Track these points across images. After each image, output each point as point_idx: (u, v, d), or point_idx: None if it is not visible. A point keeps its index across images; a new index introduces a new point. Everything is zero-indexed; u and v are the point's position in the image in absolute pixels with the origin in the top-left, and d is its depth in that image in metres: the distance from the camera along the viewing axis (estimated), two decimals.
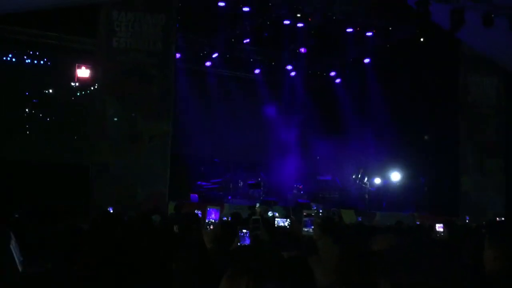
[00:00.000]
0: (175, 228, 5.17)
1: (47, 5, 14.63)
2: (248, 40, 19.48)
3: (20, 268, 1.29)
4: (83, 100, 17.41)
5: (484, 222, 10.78)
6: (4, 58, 17.12)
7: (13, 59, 17.19)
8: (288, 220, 7.41)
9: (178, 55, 17.88)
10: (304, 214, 3.73)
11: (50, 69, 17.24)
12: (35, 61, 17.19)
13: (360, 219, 13.61)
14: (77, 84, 17.12)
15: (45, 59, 17.26)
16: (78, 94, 17.35)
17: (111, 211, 11.44)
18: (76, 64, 16.98)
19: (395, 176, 19.38)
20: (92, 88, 16.94)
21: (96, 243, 4.26)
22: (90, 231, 4.89)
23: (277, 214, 10.96)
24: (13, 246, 1.25)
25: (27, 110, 16.97)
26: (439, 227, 7.56)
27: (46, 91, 17.08)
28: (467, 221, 14.86)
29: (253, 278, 2.52)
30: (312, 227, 3.67)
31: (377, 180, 19.39)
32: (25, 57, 17.02)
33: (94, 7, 15.04)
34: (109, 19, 14.85)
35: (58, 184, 14.08)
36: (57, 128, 17.23)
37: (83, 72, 16.97)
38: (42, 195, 12.93)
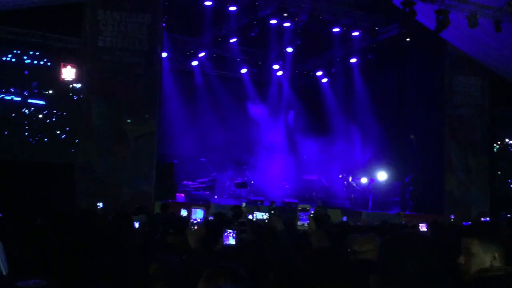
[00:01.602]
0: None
1: (32, 3, 14.53)
2: (235, 40, 19.48)
3: (4, 272, 1.23)
4: (68, 100, 17.29)
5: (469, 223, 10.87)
6: None
7: None
8: (267, 214, 7.43)
9: (164, 55, 17.84)
10: (299, 208, 3.74)
11: (34, 68, 17.10)
12: (19, 60, 17.05)
13: (345, 219, 13.64)
14: (62, 83, 16.99)
15: (30, 58, 17.12)
16: (63, 93, 17.22)
17: (101, 206, 11.44)
18: (61, 63, 16.86)
19: (381, 175, 19.47)
20: (77, 87, 16.83)
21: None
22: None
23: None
24: None
25: (11, 109, 16.82)
26: (422, 227, 7.63)
27: (31, 90, 16.93)
28: (452, 219, 14.97)
29: (229, 278, 2.54)
30: (307, 221, 3.69)
31: (363, 180, 19.47)
32: (9, 56, 16.87)
33: (79, 6, 14.96)
34: (95, 18, 14.80)
35: (43, 183, 14.01)
36: (42, 127, 17.09)
37: (68, 71, 16.85)
38: (26, 194, 12.86)
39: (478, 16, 14.16)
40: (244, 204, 12.06)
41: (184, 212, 8.90)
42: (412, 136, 19.58)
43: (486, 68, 18.08)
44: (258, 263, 3.12)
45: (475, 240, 3.11)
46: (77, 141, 15.19)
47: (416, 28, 16.48)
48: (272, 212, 4.14)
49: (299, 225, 3.72)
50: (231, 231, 3.75)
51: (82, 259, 3.79)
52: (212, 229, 4.02)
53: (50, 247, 4.24)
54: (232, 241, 3.70)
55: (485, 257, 3.07)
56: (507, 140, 20.15)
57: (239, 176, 19.47)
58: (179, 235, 4.09)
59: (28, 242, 4.60)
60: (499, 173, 19.57)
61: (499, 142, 19.86)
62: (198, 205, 4.04)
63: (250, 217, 8.53)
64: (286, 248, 3.62)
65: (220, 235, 3.79)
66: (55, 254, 4.05)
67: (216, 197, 18.42)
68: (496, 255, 3.09)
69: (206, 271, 2.62)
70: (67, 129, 16.54)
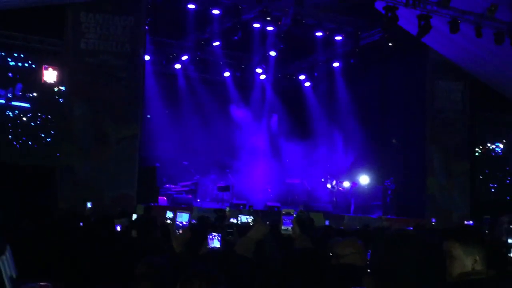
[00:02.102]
0: (133, 233, 5.16)
1: (13, 5, 14.38)
2: (218, 43, 19.47)
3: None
4: (50, 102, 17.14)
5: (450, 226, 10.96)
6: None
7: None
8: (251, 216, 7.44)
9: (147, 57, 17.77)
10: (283, 212, 3.72)
11: (16, 70, 16.94)
12: (3, 62, 16.88)
13: (327, 223, 13.66)
14: (46, 85, 16.85)
15: (11, 60, 16.96)
16: (45, 95, 17.07)
17: (90, 207, 11.40)
18: (43, 66, 16.73)
19: (364, 179, 19.55)
20: (59, 89, 16.70)
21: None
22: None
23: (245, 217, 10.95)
24: (4, 260, 1.14)
25: None
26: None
27: (12, 92, 16.76)
28: (433, 223, 15.07)
29: (205, 282, 2.54)
30: (291, 225, 3.67)
31: (346, 184, 19.54)
32: None
33: (62, 8, 14.85)
34: (77, 21, 14.71)
35: (23, 186, 13.88)
36: (23, 129, 16.92)
37: (50, 74, 16.72)
38: (6, 197, 12.72)
39: (459, 21, 14.31)
40: (227, 208, 12.06)
41: (170, 214, 8.85)
42: (394, 140, 19.69)
43: (468, 73, 18.26)
44: (243, 266, 3.11)
45: (456, 244, 3.11)
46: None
47: (398, 33, 16.59)
48: (256, 216, 4.14)
49: (283, 229, 3.71)
50: (216, 234, 3.74)
51: (77, 260, 3.76)
52: (197, 232, 4.01)
53: (43, 249, 4.21)
54: (217, 244, 3.69)
55: (466, 261, 3.07)
56: (488, 144, 20.36)
57: (221, 179, 19.44)
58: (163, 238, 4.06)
59: (22, 245, 4.55)
60: (481, 177, 19.75)
61: (480, 147, 20.06)
62: (183, 209, 4.03)
63: (233, 220, 8.53)
64: (271, 252, 3.61)
65: (204, 239, 3.78)
66: (48, 256, 4.02)
67: (198, 200, 18.39)
68: (478, 258, 3.08)
69: (182, 276, 2.63)
70: (52, 132, 16.40)
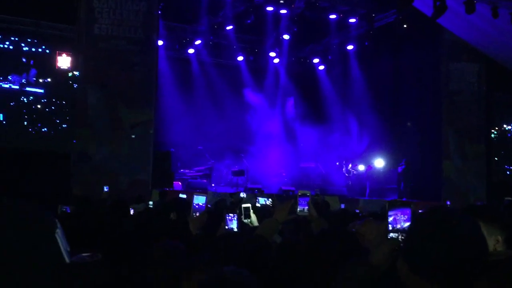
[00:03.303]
0: (172, 215, 5.14)
1: None
2: (231, 27, 19.41)
3: (67, 260, 1.24)
4: (64, 88, 17.22)
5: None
6: None
7: None
8: (270, 199, 7.42)
9: (160, 42, 17.75)
10: (299, 194, 3.67)
11: (29, 56, 17.02)
12: (14, 48, 16.95)
13: (343, 206, 13.63)
14: (60, 71, 16.91)
15: (24, 45, 17.04)
16: (59, 81, 17.14)
17: (107, 190, 11.51)
18: (57, 52, 16.79)
19: (379, 162, 19.48)
20: (73, 75, 16.77)
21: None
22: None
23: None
24: (59, 235, 1.20)
25: (6, 97, 16.74)
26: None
27: (26, 78, 16.85)
28: (448, 206, 15.00)
29: (203, 272, 2.51)
30: (307, 207, 3.62)
31: (361, 167, 19.48)
32: (6, 43, 16.77)
33: None
34: (90, 6, 14.68)
35: (39, 171, 13.99)
36: (38, 115, 17.04)
37: (63, 60, 16.79)
38: (23, 183, 12.83)
39: (475, 1, 14.11)
40: (242, 193, 12.07)
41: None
42: (409, 124, 19.57)
43: (483, 54, 18.03)
44: (258, 248, 3.09)
45: (480, 223, 3.00)
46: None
47: (413, 15, 16.41)
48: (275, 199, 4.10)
49: (299, 211, 3.67)
50: (232, 215, 3.72)
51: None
52: (213, 215, 4.00)
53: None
54: (234, 225, 3.68)
55: (489, 241, 2.97)
56: (504, 126, 20.17)
57: (236, 164, 19.46)
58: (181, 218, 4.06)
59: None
60: (496, 159, 19.60)
61: (496, 128, 19.88)
62: (199, 192, 4.02)
63: (246, 205, 8.52)
64: (287, 234, 3.60)
65: (221, 221, 3.77)
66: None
67: (213, 185, 18.42)
68: (500, 238, 2.94)
69: (184, 273, 2.61)
70: (67, 118, 16.51)
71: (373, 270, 2.16)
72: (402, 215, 2.29)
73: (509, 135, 20.44)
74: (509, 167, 20.21)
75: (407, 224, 2.25)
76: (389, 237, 2.24)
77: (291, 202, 3.78)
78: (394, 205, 2.33)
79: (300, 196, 3.69)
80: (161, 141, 17.27)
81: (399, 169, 18.23)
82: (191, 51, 21.00)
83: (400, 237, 2.21)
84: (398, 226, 2.27)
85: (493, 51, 17.83)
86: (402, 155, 18.62)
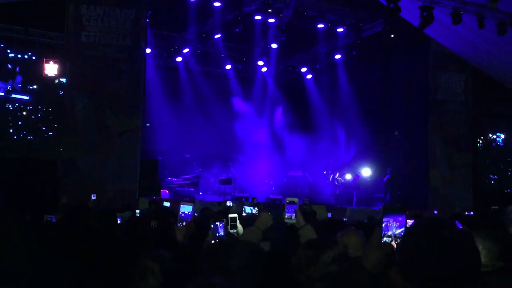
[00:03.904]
0: (153, 223, 5.11)
1: None
2: (219, 36, 19.42)
3: None
4: (52, 95, 17.15)
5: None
6: None
7: None
8: (256, 208, 7.40)
9: (148, 50, 17.72)
10: (287, 201, 3.67)
11: (16, 63, 16.95)
12: (0, 54, 16.87)
13: (330, 215, 13.65)
14: (45, 79, 16.85)
15: (11, 52, 16.96)
16: (46, 88, 17.07)
17: (94, 198, 11.44)
18: (44, 59, 16.72)
19: (366, 171, 19.53)
20: (60, 83, 16.70)
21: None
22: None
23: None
24: None
25: None
26: (409, 223, 7.58)
27: (12, 85, 16.76)
28: (435, 214, 15.06)
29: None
30: (294, 214, 3.61)
31: (348, 176, 19.52)
32: None
33: (62, 1, 14.79)
34: (78, 13, 14.63)
35: (26, 179, 13.89)
36: (24, 122, 16.94)
37: (51, 67, 16.73)
38: (10, 190, 12.72)
39: (461, 12, 14.24)
40: (229, 203, 12.04)
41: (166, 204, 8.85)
42: (396, 133, 19.66)
43: (470, 64, 18.19)
44: (249, 257, 3.08)
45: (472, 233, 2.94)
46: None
47: (400, 25, 16.52)
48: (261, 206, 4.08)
49: (286, 218, 3.66)
50: (219, 222, 3.70)
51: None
52: (200, 224, 3.98)
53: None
54: (221, 232, 3.66)
55: (482, 251, 2.91)
56: (490, 135, 20.34)
57: (223, 172, 19.43)
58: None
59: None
60: (483, 168, 19.73)
61: (482, 138, 20.04)
62: (186, 201, 4.00)
63: (234, 215, 8.49)
64: (276, 241, 3.59)
65: (208, 229, 3.75)
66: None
67: (200, 193, 18.37)
68: (481, 247, 2.84)
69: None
70: (54, 125, 16.42)
71: (366, 274, 2.17)
72: (394, 222, 2.32)
73: (494, 144, 20.63)
74: (493, 176, 20.39)
75: (399, 230, 2.26)
76: (382, 242, 2.24)
77: (270, 212, 3.79)
78: (389, 211, 2.35)
79: (288, 203, 3.68)
80: (149, 149, 17.22)
81: (385, 178, 18.31)
82: (179, 59, 20.97)
83: (393, 242, 2.22)
84: (390, 232, 2.30)
85: (480, 61, 18.00)
86: (389, 164, 18.69)
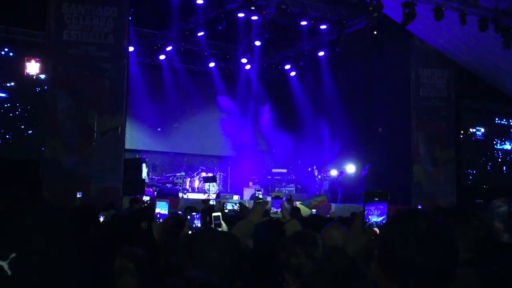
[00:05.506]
0: (143, 224, 5.08)
1: None
2: (202, 33, 19.35)
3: None
4: (33, 94, 17.00)
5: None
6: None
7: None
8: (237, 204, 7.39)
9: (131, 49, 17.63)
10: (273, 196, 3.64)
11: None
12: None
13: (314, 212, 13.68)
14: (26, 77, 16.69)
15: None
16: (28, 88, 16.91)
17: (80, 196, 11.39)
18: (25, 58, 16.57)
19: (350, 168, 19.59)
20: (42, 81, 16.56)
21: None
22: None
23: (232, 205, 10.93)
24: None
25: None
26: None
27: None
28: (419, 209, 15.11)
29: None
30: (280, 209, 3.59)
31: (333, 172, 19.56)
32: None
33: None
34: (60, 12, 14.50)
35: (8, 179, 13.76)
36: (7, 122, 16.78)
37: (32, 66, 16.59)
38: None
39: (443, 8, 14.31)
40: (213, 201, 12.04)
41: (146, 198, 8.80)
42: (380, 129, 19.73)
43: (452, 60, 18.29)
44: (232, 252, 3.07)
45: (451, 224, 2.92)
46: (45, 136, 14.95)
47: (383, 21, 16.56)
48: (244, 202, 4.06)
49: (272, 212, 3.64)
50: (195, 213, 3.66)
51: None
52: (177, 220, 3.95)
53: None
54: (197, 224, 3.62)
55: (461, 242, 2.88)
56: (470, 129, 20.53)
57: (208, 170, 19.40)
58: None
59: None
60: (465, 164, 19.88)
61: (465, 134, 20.18)
62: (162, 199, 3.97)
63: (217, 214, 8.47)
64: (261, 236, 3.57)
65: (185, 220, 3.72)
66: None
67: (185, 191, 18.33)
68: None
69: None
70: (34, 124, 16.27)
71: (350, 260, 2.16)
72: (376, 210, 2.29)
73: (473, 138, 20.87)
74: (472, 171, 20.62)
75: (380, 218, 2.25)
76: (365, 227, 2.24)
77: (266, 204, 3.77)
78: (371, 197, 2.33)
79: (273, 198, 3.66)
80: (132, 147, 17.15)
81: (362, 174, 18.39)
82: (162, 57, 20.86)
83: (375, 228, 2.21)
84: (372, 220, 2.27)
85: (462, 57, 18.11)
86: (373, 160, 18.76)
